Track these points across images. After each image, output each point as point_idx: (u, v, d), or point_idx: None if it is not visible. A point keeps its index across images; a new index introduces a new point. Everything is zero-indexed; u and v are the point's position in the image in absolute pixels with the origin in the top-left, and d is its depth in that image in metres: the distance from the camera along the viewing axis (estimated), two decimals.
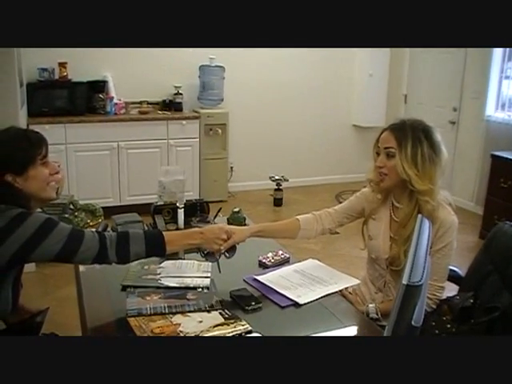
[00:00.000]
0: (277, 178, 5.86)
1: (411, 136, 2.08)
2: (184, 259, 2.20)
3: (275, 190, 5.88)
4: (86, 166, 4.95)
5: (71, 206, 4.21)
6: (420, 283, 0.98)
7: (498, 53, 5.43)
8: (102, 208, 4.40)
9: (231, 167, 6.03)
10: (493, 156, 4.94)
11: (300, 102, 6.38)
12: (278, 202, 5.87)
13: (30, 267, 3.96)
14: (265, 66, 6.02)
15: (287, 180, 5.90)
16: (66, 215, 4.11)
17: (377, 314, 2.21)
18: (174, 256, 2.30)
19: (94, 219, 4.23)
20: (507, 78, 5.48)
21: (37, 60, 4.83)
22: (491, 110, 5.56)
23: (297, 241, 4.68)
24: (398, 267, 2.15)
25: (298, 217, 2.27)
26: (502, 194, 4.77)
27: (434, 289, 2.12)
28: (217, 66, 5.50)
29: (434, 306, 2.15)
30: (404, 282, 0.98)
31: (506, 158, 4.80)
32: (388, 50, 6.43)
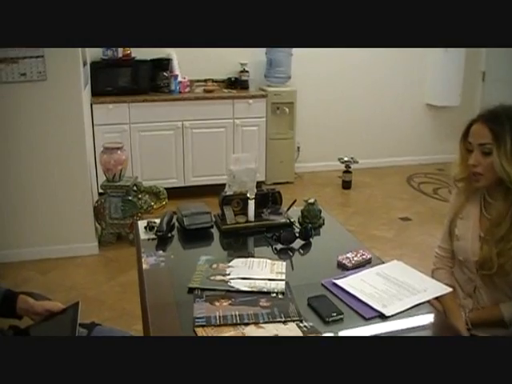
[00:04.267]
0: (346, 159, 5.60)
1: (509, 128, 1.82)
2: (254, 257, 2.02)
3: (344, 172, 5.62)
4: (150, 146, 4.85)
5: (135, 188, 4.10)
6: None
7: None
8: (166, 189, 4.28)
9: (298, 147, 5.80)
10: None
11: (370, 80, 6.05)
12: (346, 185, 5.61)
13: (92, 249, 3.92)
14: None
15: (357, 162, 5.62)
16: (130, 197, 4.01)
17: (467, 324, 1.99)
18: (244, 253, 2.14)
19: (157, 202, 4.11)
20: None
21: None
22: None
23: (369, 227, 4.49)
24: (490, 271, 1.91)
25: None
26: None
27: None
28: None
29: None
30: None
31: None
32: None
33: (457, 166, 2.03)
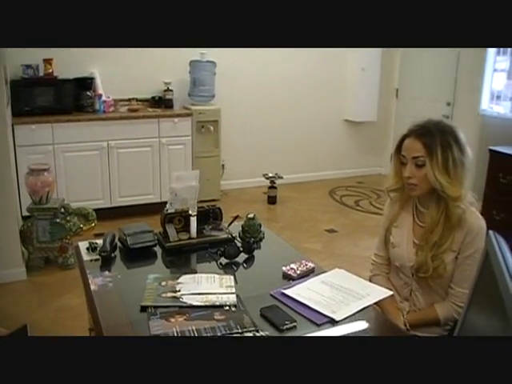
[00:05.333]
0: (270, 175, 5.72)
1: (440, 141, 1.97)
2: (196, 272, 2.04)
3: (269, 187, 5.74)
4: (75, 167, 4.74)
5: (62, 211, 4.00)
6: None
7: None
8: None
9: (222, 165, 5.86)
10: (491, 151, 4.85)
11: (292, 98, 6.24)
12: (272, 200, 5.72)
13: (20, 275, 3.78)
14: (257, 62, 5.86)
15: (281, 177, 5.75)
16: (58, 220, 3.91)
17: (405, 325, 2.10)
18: (189, 269, 2.16)
19: (86, 223, 4.03)
20: (495, 70, 5.42)
21: (21, 56, 4.60)
22: (486, 104, 5.48)
23: (298, 241, 4.60)
24: (426, 274, 2.05)
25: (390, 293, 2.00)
26: (500, 189, 4.69)
27: (465, 297, 1.99)
28: (208, 62, 5.32)
29: None
30: None
31: (505, 154, 4.72)
32: None
33: (391, 178, 2.16)
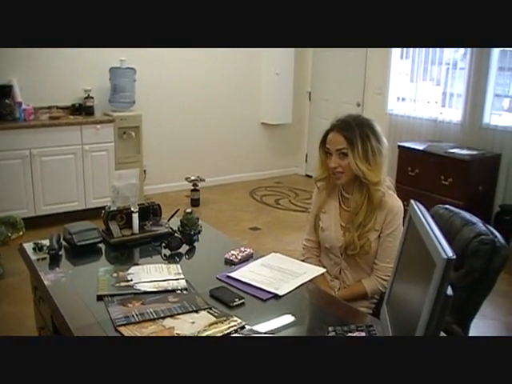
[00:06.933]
0: (193, 178, 5.85)
1: (359, 133, 2.20)
2: (139, 264, 2.16)
3: (192, 190, 5.87)
4: None
5: None
6: (454, 257, 1.06)
7: (396, 50, 5.78)
8: None
9: (144, 170, 5.93)
10: (400, 147, 5.26)
11: (211, 102, 6.41)
12: (195, 203, 5.85)
13: None
14: (175, 68, 6.00)
15: (203, 180, 5.91)
16: None
17: None
18: (133, 263, 2.28)
19: (14, 232, 4.00)
20: (399, 74, 5.86)
21: None
22: (392, 105, 5.90)
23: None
24: (354, 251, 2.27)
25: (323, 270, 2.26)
26: (409, 182, 5.09)
27: (387, 270, 2.25)
28: (128, 68, 5.38)
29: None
30: (444, 256, 1.05)
31: (412, 148, 5.15)
32: (293, 48, 6.61)
33: (318, 169, 2.38)
